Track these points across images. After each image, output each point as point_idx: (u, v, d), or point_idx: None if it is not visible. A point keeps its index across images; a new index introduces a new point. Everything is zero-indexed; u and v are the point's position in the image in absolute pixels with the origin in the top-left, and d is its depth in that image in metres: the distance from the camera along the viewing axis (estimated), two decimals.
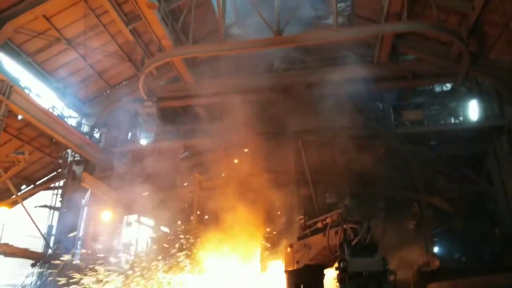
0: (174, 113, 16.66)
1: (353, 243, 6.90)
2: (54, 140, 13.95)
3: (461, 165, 12.76)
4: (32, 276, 13.25)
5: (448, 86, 15.60)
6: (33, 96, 12.38)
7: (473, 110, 14.14)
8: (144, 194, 13.08)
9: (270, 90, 14.48)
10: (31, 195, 14.95)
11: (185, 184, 13.83)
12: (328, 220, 7.86)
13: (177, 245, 10.24)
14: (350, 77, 14.17)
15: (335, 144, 12.19)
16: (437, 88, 16.03)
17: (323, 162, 12.04)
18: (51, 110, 13.21)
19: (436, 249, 11.38)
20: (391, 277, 6.80)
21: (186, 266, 9.87)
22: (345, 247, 6.91)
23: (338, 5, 13.58)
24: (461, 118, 14.26)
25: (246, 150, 12.56)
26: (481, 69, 12.84)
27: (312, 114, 13.40)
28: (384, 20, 12.49)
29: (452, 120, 14.27)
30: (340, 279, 6.86)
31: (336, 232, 7.35)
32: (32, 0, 11.26)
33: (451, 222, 11.89)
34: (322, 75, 14.27)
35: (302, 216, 9.39)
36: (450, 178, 12.48)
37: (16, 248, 12.06)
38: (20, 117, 12.28)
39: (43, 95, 13.72)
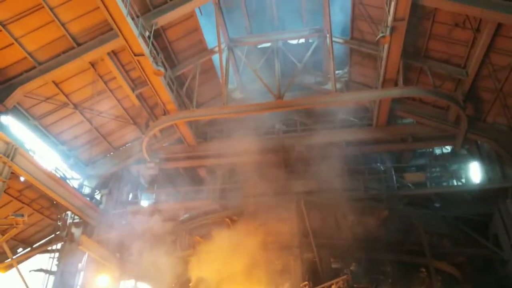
0: (176, 175, 16.70)
1: None
2: (54, 202, 13.84)
3: (467, 228, 12.55)
4: None
5: (448, 148, 15.79)
6: (37, 158, 12.51)
7: (474, 172, 14.19)
8: (142, 258, 12.72)
9: (271, 151, 14.66)
10: (27, 258, 14.54)
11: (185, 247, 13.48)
12: (333, 287, 7.63)
13: None
14: (350, 140, 14.48)
15: (338, 206, 12.08)
16: (437, 150, 16.21)
17: (326, 224, 11.85)
18: (54, 172, 13.26)
19: None
20: None
21: None
22: None
23: (336, 72, 14.16)
24: (463, 180, 14.28)
25: (244, 213, 12.36)
26: (479, 132, 13.07)
27: (314, 175, 13.44)
28: (380, 86, 12.95)
29: (455, 182, 14.26)
30: None
31: None
32: (43, 67, 11.75)
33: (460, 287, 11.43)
34: (322, 137, 14.56)
35: (306, 282, 9.11)
36: (457, 242, 12.20)
37: None
38: (22, 178, 12.30)
39: (47, 156, 13.92)
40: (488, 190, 12.94)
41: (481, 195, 13.04)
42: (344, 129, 14.96)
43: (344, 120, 15.36)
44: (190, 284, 12.09)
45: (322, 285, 8.17)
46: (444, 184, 14.44)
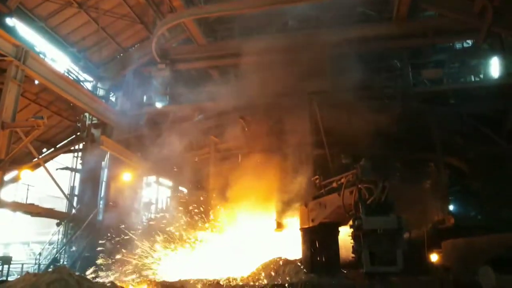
0: (188, 76, 16.58)
1: (368, 202, 7.00)
2: (71, 104, 14.13)
3: (480, 124, 12.48)
4: (58, 234, 13.89)
5: (469, 43, 15.02)
6: (48, 61, 12.47)
7: (494, 67, 13.69)
8: (161, 157, 13.29)
9: (284, 50, 14.19)
10: (52, 158, 15.37)
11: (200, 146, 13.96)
12: (343, 180, 7.94)
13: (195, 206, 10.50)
14: (368, 35, 13.77)
15: (351, 105, 12.03)
16: (458, 45, 15.45)
17: (339, 123, 11.93)
18: (66, 74, 13.30)
19: (451, 208, 11.40)
20: (406, 235, 6.90)
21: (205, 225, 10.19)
22: (360, 206, 7.02)
23: None
24: (481, 76, 13.84)
25: (257, 113, 12.45)
26: (504, 25, 12.24)
27: (328, 74, 13.15)
28: None
29: (473, 78, 13.86)
30: (355, 237, 7.02)
31: (351, 192, 7.45)
32: None
33: (468, 182, 11.81)
34: (338, 33, 13.87)
35: (317, 176, 9.50)
36: (469, 138, 12.26)
37: (42, 208, 12.58)
38: (36, 82, 12.41)
39: (57, 59, 13.84)
40: (505, 85, 12.58)
41: (498, 91, 12.72)
42: (361, 24, 14.16)
43: (362, 14, 14.45)
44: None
45: (332, 179, 8.48)
46: (462, 80, 14.03)
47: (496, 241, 7.73)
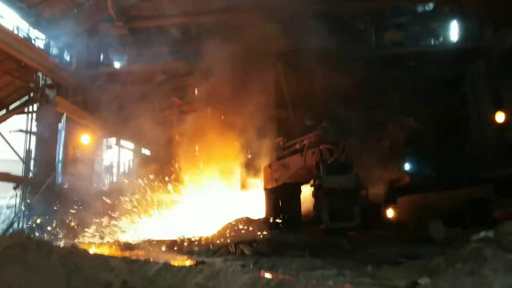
0: (147, 34, 15.88)
1: (329, 162, 7.23)
2: (23, 63, 13.27)
3: (437, 87, 12.92)
4: (16, 198, 13.43)
5: (430, 6, 15.22)
6: None
7: (453, 31, 14.03)
8: (121, 119, 12.94)
9: (247, 9, 13.81)
10: (4, 119, 14.56)
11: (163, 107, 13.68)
12: (305, 142, 8.13)
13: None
14: None
15: (314, 66, 12.04)
16: (419, 8, 15.63)
17: (302, 84, 11.99)
18: (15, 31, 12.41)
19: (407, 167, 11.96)
20: (364, 192, 7.23)
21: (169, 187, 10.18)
22: (321, 166, 7.24)
23: None
24: (441, 39, 14.17)
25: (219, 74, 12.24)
26: None
27: (292, 35, 13.00)
28: None
29: (433, 42, 14.17)
30: (315, 195, 7.28)
31: (313, 153, 7.66)
32: None
33: (424, 142, 12.34)
34: None
35: (281, 138, 9.64)
36: (427, 100, 12.69)
37: None
38: None
39: (4, 16, 12.83)
40: (463, 49, 12.98)
41: (456, 54, 13.12)
42: None
43: None
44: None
45: (296, 140, 8.65)
46: (422, 43, 14.33)
47: (446, 197, 8.25)
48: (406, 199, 8.81)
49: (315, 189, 7.21)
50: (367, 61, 12.83)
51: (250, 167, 10.85)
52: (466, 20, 13.51)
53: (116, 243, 8.45)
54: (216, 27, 13.70)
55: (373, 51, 13.44)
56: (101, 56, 15.68)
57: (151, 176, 10.49)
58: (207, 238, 8.19)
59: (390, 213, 9.13)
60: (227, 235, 8.01)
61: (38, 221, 10.44)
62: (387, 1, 13.99)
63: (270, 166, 9.09)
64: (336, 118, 10.62)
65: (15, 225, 12.43)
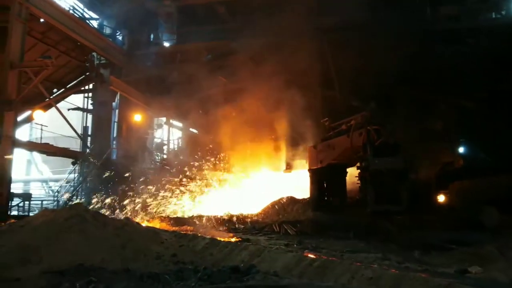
0: (194, 13, 16.00)
1: (376, 144, 7.06)
2: (78, 44, 13.92)
3: (494, 64, 12.01)
4: (74, 172, 14.37)
5: None
6: None
7: None
8: (170, 98, 13.28)
9: None
10: (63, 98, 15.43)
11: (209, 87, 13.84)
12: (352, 122, 7.96)
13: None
14: None
15: (364, 42, 11.61)
16: None
17: (350, 62, 11.62)
18: (71, 12, 12.95)
19: (460, 149, 11.38)
20: (413, 176, 7.03)
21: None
22: (368, 148, 7.09)
23: None
24: (503, 13, 13.12)
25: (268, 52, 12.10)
26: None
27: (338, 10, 12.56)
28: None
29: (493, 15, 13.16)
30: (362, 177, 7.17)
31: (360, 134, 7.49)
32: None
33: (479, 122, 11.62)
34: None
35: (326, 119, 9.49)
36: (480, 77, 11.88)
37: (56, 147, 12.87)
38: (42, 20, 12.15)
39: None
40: None
41: None
42: None
43: None
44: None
45: (342, 121, 8.49)
46: (480, 18, 13.33)
47: (501, 182, 7.82)
48: (457, 184, 8.45)
49: (361, 171, 7.10)
50: (421, 37, 12.18)
51: (295, 147, 10.83)
52: None
53: (167, 218, 8.83)
54: (262, 3, 13.51)
55: (428, 25, 12.67)
56: (151, 36, 16.04)
57: (199, 155, 10.78)
58: (252, 216, 8.36)
59: (441, 198, 8.80)
60: (272, 214, 8.13)
61: (96, 195, 11.09)
62: None
63: (315, 146, 9.00)
64: (385, 98, 10.28)
65: (74, 198, 13.33)
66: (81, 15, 13.77)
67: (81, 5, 14.53)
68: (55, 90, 15.55)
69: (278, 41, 11.92)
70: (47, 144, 12.73)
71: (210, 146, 11.07)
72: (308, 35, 12.24)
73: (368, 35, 11.03)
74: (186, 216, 8.88)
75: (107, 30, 15.44)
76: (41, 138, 13.76)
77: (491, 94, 11.55)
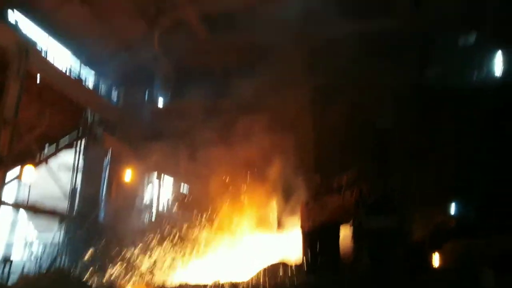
0: (190, 71, 16.49)
1: (368, 202, 6.96)
2: (73, 102, 14.10)
3: (485, 119, 12.18)
4: (60, 233, 13.87)
5: (473, 38, 14.67)
6: (50, 56, 12.44)
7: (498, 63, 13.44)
8: (163, 153, 13.27)
9: (286, 44, 13.94)
10: (54, 155, 15.34)
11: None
12: (344, 180, 7.91)
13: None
14: (370, 30, 13.49)
15: (352, 97, 11.81)
16: (462, 41, 15.10)
17: (340, 117, 11.77)
18: (68, 70, 13.25)
19: (455, 206, 11.23)
20: (407, 235, 6.86)
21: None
22: (361, 206, 6.98)
23: None
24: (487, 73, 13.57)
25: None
26: None
27: (333, 69, 12.86)
28: None
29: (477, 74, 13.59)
30: (355, 237, 6.99)
31: (352, 192, 7.41)
32: None
33: (473, 178, 11.57)
34: (343, 27, 13.55)
35: (317, 174, 9.46)
36: (474, 134, 11.96)
37: (43, 207, 12.56)
38: (39, 79, 12.39)
39: (59, 55, 13.79)
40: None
41: (504, 86, 12.44)
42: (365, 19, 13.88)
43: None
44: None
45: (333, 176, 8.44)
46: (467, 75, 13.77)
47: (498, 241, 7.64)
48: (451, 244, 8.24)
49: (354, 230, 6.93)
50: (409, 93, 12.47)
51: (287, 204, 10.66)
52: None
53: (152, 285, 8.45)
54: (254, 62, 13.98)
55: (415, 81, 13.04)
56: (147, 93, 16.37)
57: (189, 214, 10.57)
58: (243, 284, 7.99)
59: (435, 258, 8.54)
60: (264, 282, 7.79)
61: (80, 257, 10.67)
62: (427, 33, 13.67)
63: (307, 204, 8.87)
64: (376, 153, 10.33)
65: (58, 261, 12.75)
66: (77, 74, 14.08)
67: (79, 63, 14.90)
68: (46, 146, 15.53)
69: (271, 96, 12.16)
70: (34, 205, 12.43)
71: (201, 204, 10.88)
72: (300, 90, 12.54)
73: (357, 90, 11.32)
74: (172, 283, 8.48)
75: (103, 87, 15.72)
76: (28, 196, 13.46)
77: (484, 150, 11.62)
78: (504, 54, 13.07)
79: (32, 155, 12.89)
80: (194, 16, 13.77)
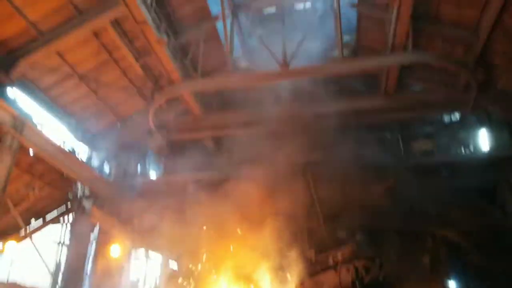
0: (183, 146, 16.74)
1: (366, 281, 6.77)
2: (64, 175, 14.03)
3: (474, 196, 12.50)
4: None
5: (456, 115, 15.53)
6: (45, 131, 12.59)
7: (483, 140, 14.01)
8: (152, 229, 13.00)
9: (277, 121, 14.52)
10: (39, 230, 14.91)
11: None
12: (339, 257, 7.75)
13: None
14: (357, 108, 14.26)
15: (344, 175, 12.08)
16: (446, 118, 15.96)
17: (332, 194, 11.89)
18: (62, 144, 13.34)
19: (453, 285, 10.97)
20: None
21: None
22: (357, 285, 6.77)
23: (343, 38, 13.79)
24: (472, 149, 14.12)
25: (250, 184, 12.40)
26: (489, 99, 12.74)
27: (321, 145, 13.36)
28: (389, 52, 12.60)
29: (463, 151, 14.11)
30: None
31: (348, 270, 7.24)
32: (47, 38, 11.59)
33: (468, 257, 11.51)
34: (329, 106, 14.36)
35: (312, 250, 9.26)
36: (464, 211, 12.20)
37: (24, 286, 11.90)
38: (31, 152, 12.42)
39: (55, 129, 13.98)
40: (496, 158, 12.81)
41: (489, 163, 12.90)
42: (352, 97, 14.72)
43: (352, 88, 15.10)
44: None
45: (328, 253, 8.27)
46: (453, 152, 14.29)
47: None
48: None
49: None
50: (397, 171, 12.78)
51: (281, 283, 10.26)
52: (495, 128, 13.57)
53: None
54: (246, 138, 14.31)
55: (402, 160, 13.46)
56: (138, 167, 16.40)
57: None
58: None
59: None
60: None
61: None
62: (411, 113, 14.36)
63: (302, 284, 8.58)
64: (370, 230, 10.25)
65: None
66: (71, 148, 14.16)
67: (73, 137, 15.04)
68: (32, 221, 15.13)
69: (263, 175, 12.29)
70: (14, 283, 11.79)
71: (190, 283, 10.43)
72: (292, 168, 12.74)
73: (347, 169, 11.55)
74: None
75: (95, 161, 15.76)
76: (8, 274, 12.82)
77: (475, 227, 11.69)
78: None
79: (16, 229, 12.52)
80: (189, 93, 14.27)
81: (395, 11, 11.31)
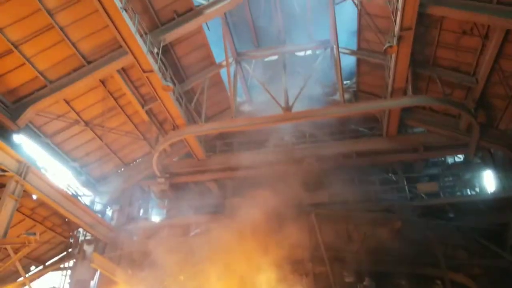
0: (186, 189, 16.70)
1: None
2: (66, 220, 13.92)
3: (482, 238, 12.23)
4: None
5: (460, 157, 15.54)
6: (49, 176, 12.60)
7: (488, 180, 13.92)
8: (153, 275, 12.68)
9: (281, 164, 14.56)
10: (39, 276, 14.59)
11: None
12: None
13: None
14: (360, 150, 14.35)
15: (349, 217, 11.92)
16: (450, 160, 15.96)
17: (338, 237, 11.69)
18: (66, 189, 13.32)
19: None
20: None
21: None
22: None
23: (344, 82, 14.13)
24: (477, 189, 14.00)
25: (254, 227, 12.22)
26: (492, 140, 12.82)
27: (324, 187, 13.31)
28: (389, 96, 12.85)
29: (469, 192, 13.99)
30: None
31: None
32: (54, 86, 11.92)
33: None
34: (332, 148, 14.46)
35: None
36: (472, 253, 11.90)
37: None
38: (34, 197, 12.38)
39: (59, 174, 14.02)
40: (503, 199, 12.66)
41: (495, 204, 12.74)
42: (354, 139, 14.86)
43: (354, 131, 15.27)
44: None
45: None
46: (458, 193, 14.17)
47: None
48: None
49: None
50: (403, 212, 12.62)
51: None
52: (499, 169, 13.51)
53: None
54: (249, 181, 14.29)
55: (407, 202, 13.33)
56: (141, 211, 16.28)
57: None
58: None
59: None
60: None
61: None
62: (414, 155, 14.40)
63: None
64: (378, 274, 9.95)
65: None
66: (74, 192, 14.13)
67: (77, 182, 15.03)
68: (32, 267, 14.83)
69: (267, 217, 12.15)
70: None
71: None
72: (297, 210, 12.61)
73: (352, 211, 11.42)
74: None
75: (98, 206, 15.66)
76: None
77: (483, 269, 11.36)
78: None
79: (16, 275, 12.25)
80: (193, 138, 14.44)
81: (393, 58, 11.67)
